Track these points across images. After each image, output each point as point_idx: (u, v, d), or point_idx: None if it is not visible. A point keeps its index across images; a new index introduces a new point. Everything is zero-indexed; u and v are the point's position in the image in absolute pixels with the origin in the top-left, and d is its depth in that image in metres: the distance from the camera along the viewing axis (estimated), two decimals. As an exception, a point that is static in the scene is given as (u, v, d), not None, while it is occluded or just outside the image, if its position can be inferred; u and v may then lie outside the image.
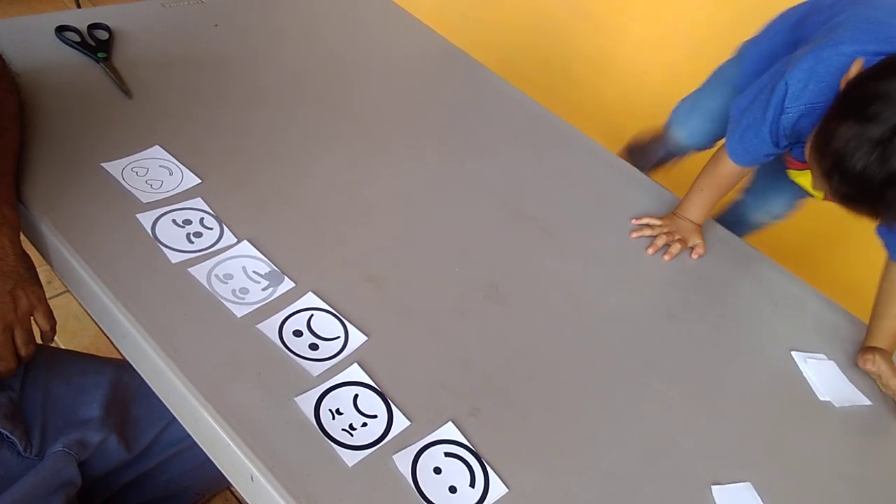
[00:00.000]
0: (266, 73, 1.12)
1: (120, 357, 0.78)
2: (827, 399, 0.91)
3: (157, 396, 0.74)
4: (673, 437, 0.79)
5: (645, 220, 1.08)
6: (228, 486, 0.92)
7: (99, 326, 0.79)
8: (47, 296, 0.76)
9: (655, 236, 1.05)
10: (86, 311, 0.79)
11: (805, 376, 0.93)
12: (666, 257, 1.03)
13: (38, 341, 0.77)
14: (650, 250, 1.03)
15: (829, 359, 0.97)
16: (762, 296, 1.03)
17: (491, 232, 0.97)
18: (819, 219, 1.73)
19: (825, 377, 0.94)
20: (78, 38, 1.05)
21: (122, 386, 0.86)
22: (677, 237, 1.05)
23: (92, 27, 1.08)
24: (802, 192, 1.20)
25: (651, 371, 0.85)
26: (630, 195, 1.13)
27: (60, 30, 1.05)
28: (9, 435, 0.73)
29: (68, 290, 0.80)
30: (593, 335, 0.87)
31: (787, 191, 1.31)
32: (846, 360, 0.98)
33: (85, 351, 1.51)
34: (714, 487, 0.75)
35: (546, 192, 1.07)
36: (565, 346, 0.85)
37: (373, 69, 1.23)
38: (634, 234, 1.06)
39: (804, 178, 1.07)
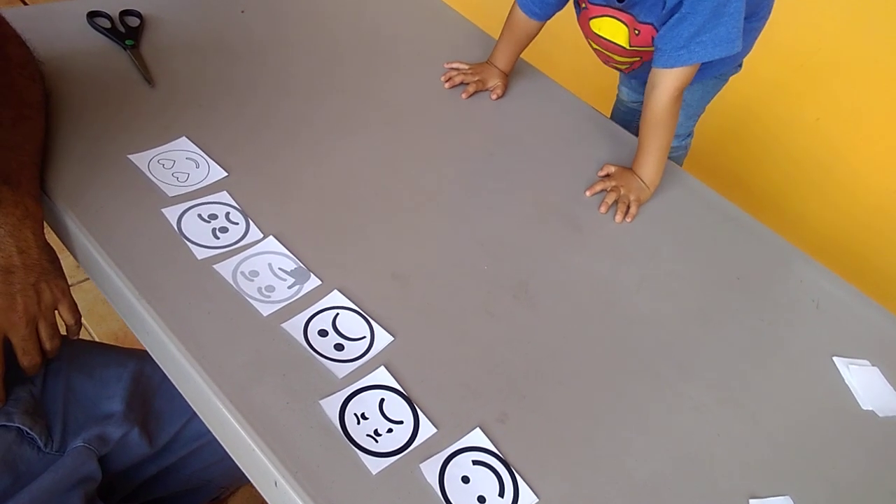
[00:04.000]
0: (291, 62, 1.10)
1: (143, 347, 0.77)
2: (870, 408, 0.87)
3: (178, 388, 0.73)
4: (708, 447, 0.76)
5: (455, 65, 1.18)
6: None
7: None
8: (76, 279, 0.75)
9: (466, 82, 1.15)
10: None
11: (847, 383, 0.89)
12: (463, 95, 1.14)
13: (63, 333, 0.76)
14: (447, 84, 1.15)
15: (873, 365, 0.93)
16: (803, 297, 1.00)
17: (520, 228, 0.94)
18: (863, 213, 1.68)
19: (868, 385, 0.90)
20: (109, 25, 1.04)
21: (145, 378, 0.85)
22: (476, 79, 1.16)
23: (124, 13, 1.07)
24: None
25: (685, 376, 0.82)
26: (663, 190, 1.09)
27: (92, 16, 1.04)
28: (29, 431, 0.73)
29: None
30: (625, 337, 0.85)
31: None
32: (891, 367, 0.94)
33: (114, 335, 1.52)
34: (752, 501, 0.72)
35: (576, 186, 1.04)
36: (596, 348, 0.82)
37: (401, 56, 1.21)
38: (448, 82, 1.16)
39: (609, 26, 1.09)
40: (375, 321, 0.75)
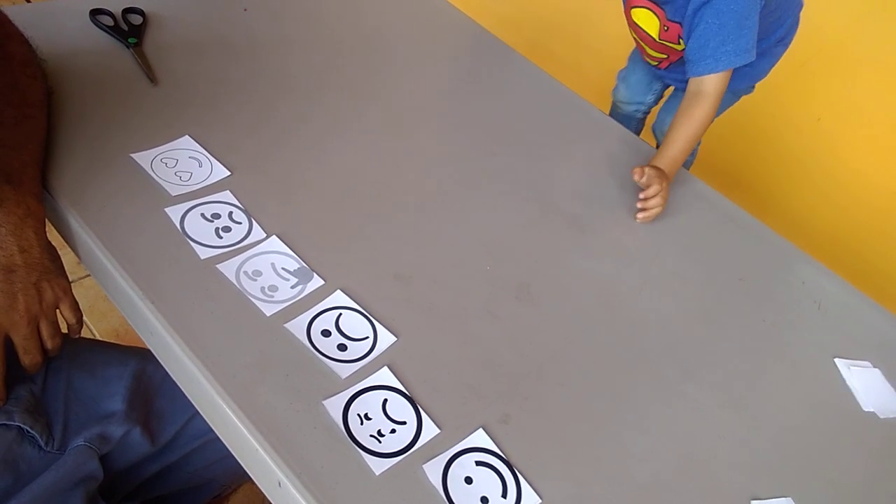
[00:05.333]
0: (294, 60, 1.10)
1: (144, 345, 0.77)
2: (871, 409, 0.87)
3: (181, 388, 0.73)
4: (710, 449, 0.76)
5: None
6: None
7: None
8: (77, 275, 0.75)
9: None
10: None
11: (849, 385, 0.89)
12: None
13: (63, 330, 0.76)
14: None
15: (874, 366, 0.93)
16: (805, 298, 1.00)
17: (522, 227, 0.94)
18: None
19: (869, 386, 0.90)
20: (111, 23, 1.03)
21: (146, 377, 0.85)
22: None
23: (126, 11, 1.06)
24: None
25: (687, 377, 0.83)
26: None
27: (95, 13, 1.04)
28: (29, 430, 0.73)
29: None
30: (627, 339, 0.85)
31: (653, 80, 1.40)
32: (892, 369, 0.94)
33: (114, 332, 1.52)
34: (753, 502, 0.72)
35: (579, 186, 1.04)
36: (598, 350, 0.82)
37: (403, 55, 1.20)
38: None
39: (645, 17, 1.16)
40: (378, 321, 0.75)
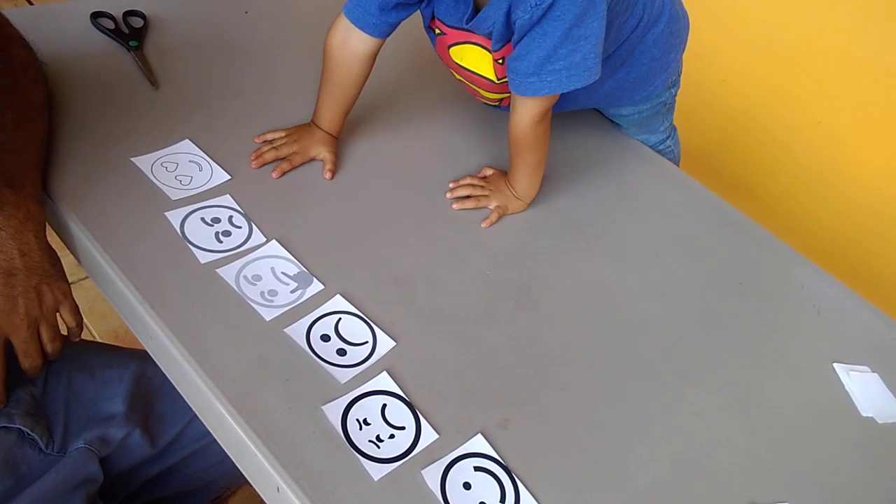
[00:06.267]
0: (295, 64, 1.10)
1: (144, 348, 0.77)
2: (870, 415, 0.87)
3: (180, 393, 0.73)
4: (709, 453, 0.76)
5: (268, 136, 0.93)
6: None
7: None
8: (77, 277, 0.75)
9: (280, 158, 0.90)
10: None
11: (847, 390, 0.90)
12: (273, 175, 0.89)
13: (63, 333, 0.76)
14: (255, 163, 0.89)
15: (873, 371, 0.93)
16: (804, 302, 1.00)
17: (522, 232, 0.94)
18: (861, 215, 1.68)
19: (868, 391, 0.90)
20: (112, 25, 1.04)
21: (146, 379, 0.86)
22: (293, 150, 0.91)
23: (127, 14, 1.06)
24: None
25: (687, 382, 0.83)
26: (665, 192, 1.10)
27: (95, 16, 1.04)
28: (30, 433, 0.73)
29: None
30: (627, 343, 0.85)
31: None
32: (891, 374, 0.94)
33: (114, 333, 1.53)
34: (751, 508, 0.72)
35: (579, 190, 1.04)
36: (598, 354, 0.82)
37: (404, 58, 1.20)
38: (255, 161, 0.89)
39: (473, 56, 0.91)
40: (378, 326, 0.75)
